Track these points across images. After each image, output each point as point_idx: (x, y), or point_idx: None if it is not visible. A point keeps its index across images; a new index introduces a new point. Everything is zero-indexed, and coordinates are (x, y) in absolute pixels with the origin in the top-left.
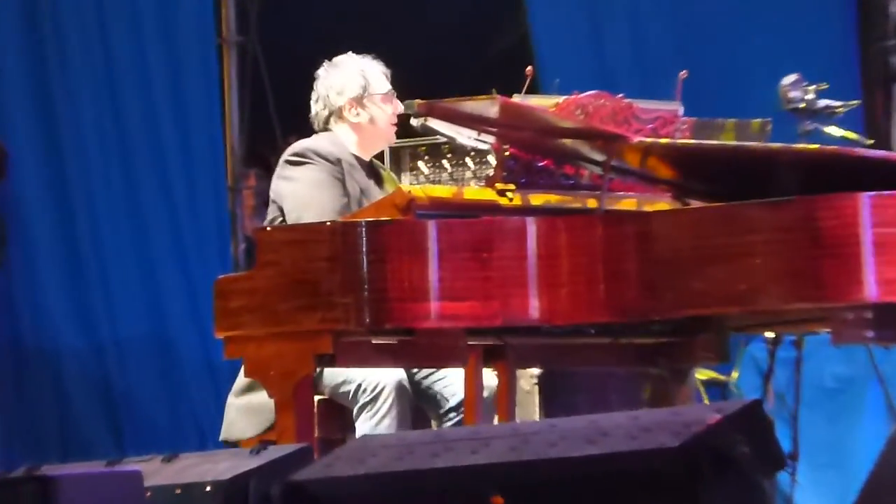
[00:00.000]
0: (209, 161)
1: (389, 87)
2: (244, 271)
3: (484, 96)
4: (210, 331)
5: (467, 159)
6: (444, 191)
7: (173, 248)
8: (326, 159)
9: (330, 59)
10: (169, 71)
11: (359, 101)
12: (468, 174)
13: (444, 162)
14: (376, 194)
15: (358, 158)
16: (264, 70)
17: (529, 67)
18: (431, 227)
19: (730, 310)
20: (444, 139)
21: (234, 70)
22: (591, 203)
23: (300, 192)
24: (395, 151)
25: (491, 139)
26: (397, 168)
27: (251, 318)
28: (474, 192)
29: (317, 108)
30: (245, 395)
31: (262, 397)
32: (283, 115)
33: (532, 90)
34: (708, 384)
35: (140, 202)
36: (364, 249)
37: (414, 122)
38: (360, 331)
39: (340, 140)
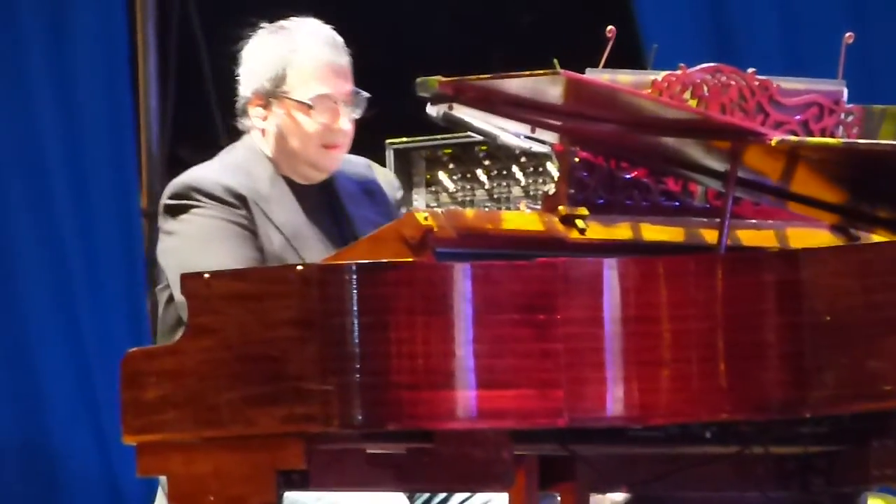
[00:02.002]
0: (112, 173)
1: (330, 89)
2: (166, 342)
3: (541, 71)
4: (113, 435)
5: (514, 168)
6: (478, 216)
7: (57, 307)
8: (219, 198)
9: (271, 21)
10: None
11: (265, 97)
12: (516, 190)
13: (479, 172)
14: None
15: (290, 181)
16: (197, 25)
17: (611, 27)
18: (460, 273)
19: None
20: (480, 137)
21: (151, 25)
22: (708, 236)
23: (184, 253)
24: (402, 155)
25: (552, 137)
26: (406, 181)
27: (177, 414)
28: (525, 218)
29: (237, 97)
30: None
31: None
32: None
33: (616, 61)
34: None
35: (0, 232)
36: (354, 308)
37: (432, 110)
38: (347, 434)
39: (254, 156)
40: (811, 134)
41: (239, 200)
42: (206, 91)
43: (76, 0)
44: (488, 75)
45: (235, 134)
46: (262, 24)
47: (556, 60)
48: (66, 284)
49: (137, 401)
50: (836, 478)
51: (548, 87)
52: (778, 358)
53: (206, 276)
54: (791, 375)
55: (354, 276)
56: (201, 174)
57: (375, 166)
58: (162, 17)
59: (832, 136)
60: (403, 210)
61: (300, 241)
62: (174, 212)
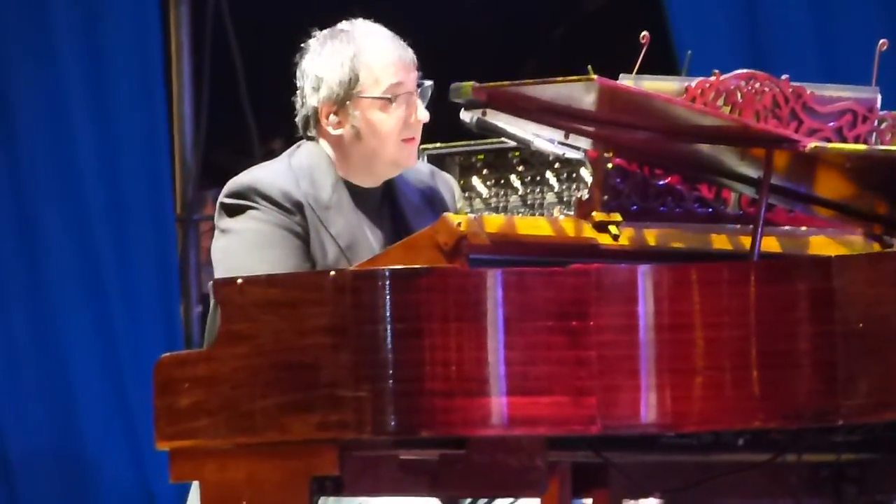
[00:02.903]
0: (145, 178)
1: (403, 80)
2: (200, 348)
3: (575, 77)
4: (147, 441)
5: (548, 174)
6: (512, 223)
7: (91, 313)
8: (276, 203)
9: (325, 26)
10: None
11: (338, 103)
12: (550, 197)
13: (513, 178)
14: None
15: (354, 188)
16: (231, 32)
17: (645, 33)
18: (494, 280)
19: None
20: (513, 143)
21: (185, 31)
22: (741, 244)
23: (235, 255)
24: (436, 161)
25: (585, 143)
26: None
27: (211, 421)
28: (559, 225)
29: (298, 108)
30: None
31: None
32: (260, 105)
33: (650, 66)
34: None
35: (35, 240)
36: (388, 315)
37: (466, 116)
38: (380, 441)
39: (318, 162)
40: (845, 141)
41: (296, 207)
42: (240, 97)
43: (110, 6)
44: (522, 81)
45: (269, 140)
46: (314, 33)
47: (590, 67)
48: (100, 291)
49: (171, 407)
50: (869, 486)
51: (581, 93)
52: (811, 366)
53: (240, 282)
54: (824, 384)
55: (388, 283)
56: (262, 175)
57: (438, 173)
58: (196, 23)
59: (866, 143)
60: None
61: (355, 252)
62: (231, 211)
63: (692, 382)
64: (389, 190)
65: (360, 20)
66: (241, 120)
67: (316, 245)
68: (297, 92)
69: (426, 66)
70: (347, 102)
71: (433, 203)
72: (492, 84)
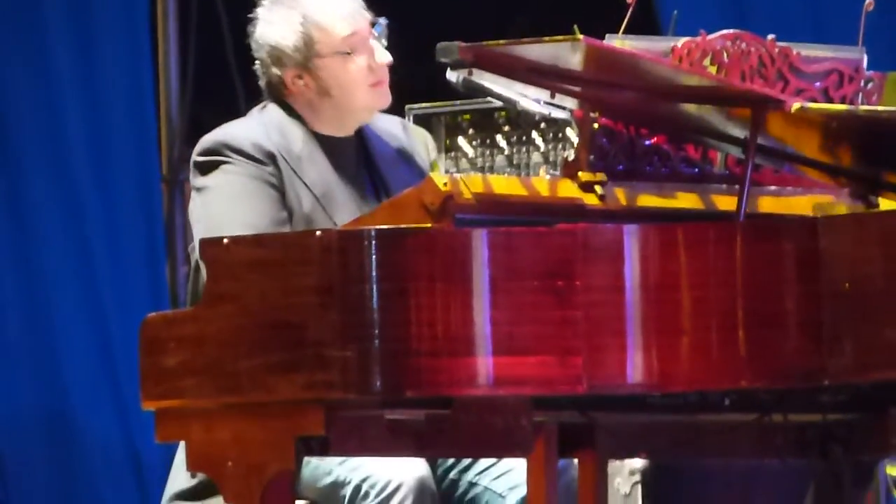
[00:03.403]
0: (131, 137)
1: (356, 29)
2: (186, 308)
3: (562, 37)
4: (133, 401)
5: (534, 134)
6: (498, 183)
7: (75, 273)
8: (249, 155)
9: None
10: None
11: (300, 67)
12: (536, 157)
13: (499, 138)
14: (377, 198)
15: (326, 139)
16: None
17: None
18: (480, 240)
19: None
20: (499, 103)
21: None
22: (727, 204)
23: (211, 210)
24: (422, 121)
25: (572, 103)
26: None
27: (197, 381)
28: (545, 185)
29: (260, 76)
30: (191, 501)
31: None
32: (247, 64)
33: (637, 27)
34: None
35: (20, 200)
36: (374, 275)
37: (452, 76)
38: (366, 401)
39: (288, 115)
40: (831, 101)
41: (269, 158)
42: (226, 57)
43: None
44: (508, 41)
45: (256, 99)
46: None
47: (576, 26)
48: (86, 251)
49: (157, 367)
50: (856, 446)
51: (568, 53)
52: (797, 326)
53: (226, 241)
54: (810, 344)
55: (374, 243)
56: (232, 130)
57: (410, 125)
58: None
59: (852, 103)
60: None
61: (330, 201)
62: (204, 169)
63: (678, 342)
64: (361, 141)
65: None
66: (228, 80)
67: (291, 195)
68: (257, 62)
69: (410, 26)
70: (309, 64)
71: (405, 154)
72: (478, 44)
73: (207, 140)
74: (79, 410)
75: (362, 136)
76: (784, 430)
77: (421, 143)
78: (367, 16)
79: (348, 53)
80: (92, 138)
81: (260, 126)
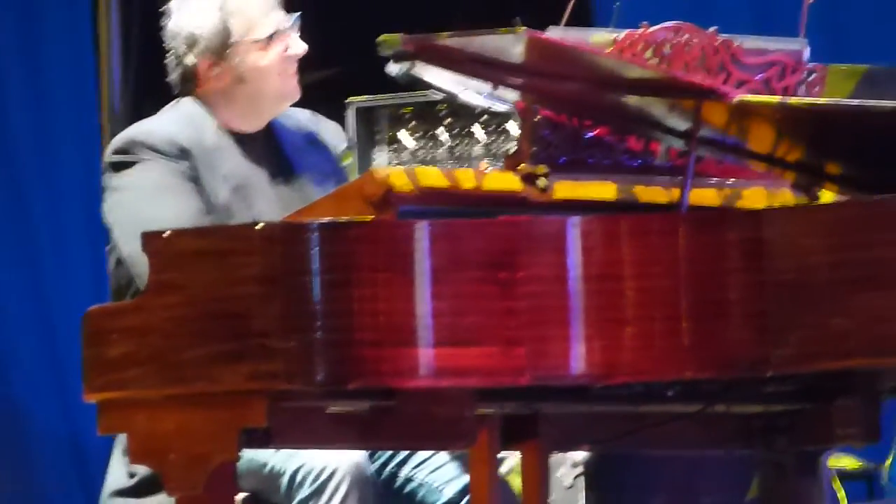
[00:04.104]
0: (74, 128)
1: (273, 18)
2: (129, 299)
3: (504, 29)
4: (76, 393)
5: (476, 126)
6: (440, 176)
7: (20, 264)
8: (162, 151)
9: None
10: None
11: (217, 55)
12: (477, 149)
13: (441, 130)
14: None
15: (236, 134)
16: None
17: None
18: (422, 231)
19: (886, 361)
20: (441, 95)
21: None
22: (670, 195)
23: (131, 208)
24: (364, 113)
25: (514, 95)
26: (367, 139)
27: (140, 372)
28: (487, 177)
29: (171, 68)
30: (130, 498)
31: (159, 501)
32: None
33: (578, 19)
34: (849, 476)
35: None
36: (317, 266)
37: (393, 68)
38: (309, 392)
39: (199, 110)
40: (773, 93)
41: (182, 153)
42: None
43: None
44: (450, 33)
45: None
46: None
47: (517, 18)
48: (29, 242)
49: (99, 358)
50: (800, 436)
51: (510, 45)
52: (741, 317)
53: (169, 233)
54: (754, 334)
55: (316, 234)
56: (144, 128)
57: (319, 116)
58: None
59: (795, 94)
60: (348, 161)
61: (246, 192)
62: (117, 168)
63: (622, 333)
64: (270, 133)
65: None
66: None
67: (208, 188)
68: (169, 53)
69: (352, 18)
70: (226, 52)
71: (314, 142)
72: (420, 36)
73: (119, 139)
74: (22, 402)
75: (271, 127)
76: (728, 420)
77: (328, 132)
78: (281, 7)
79: (265, 42)
80: (34, 129)
81: (172, 121)
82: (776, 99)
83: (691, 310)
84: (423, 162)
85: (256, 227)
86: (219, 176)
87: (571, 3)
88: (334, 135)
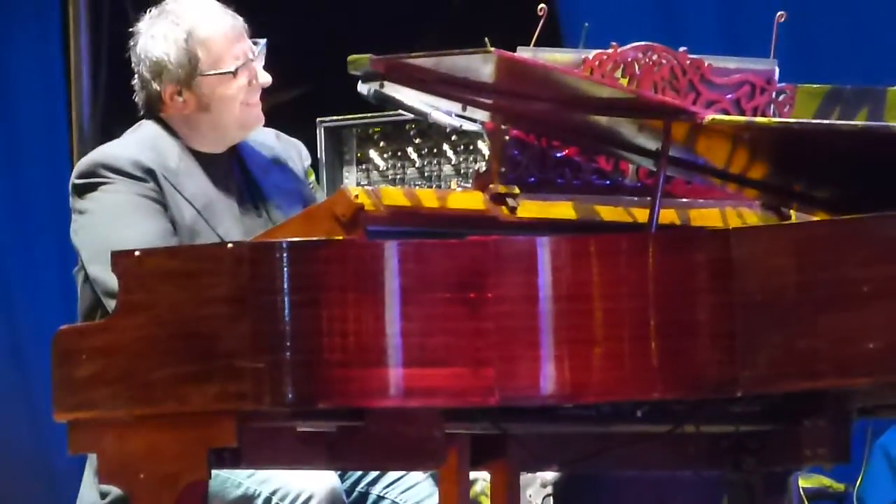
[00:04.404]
0: (43, 146)
1: (240, 49)
2: (98, 319)
3: (473, 49)
4: (45, 412)
5: (445, 146)
6: (409, 195)
7: None
8: (127, 174)
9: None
10: None
11: (182, 83)
12: (447, 169)
13: (410, 150)
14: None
15: (200, 155)
16: (130, 6)
17: (542, 4)
18: (391, 251)
19: (855, 381)
20: (410, 115)
21: (83, 6)
22: (640, 215)
23: (98, 231)
24: (333, 133)
25: (483, 115)
26: (337, 158)
27: (109, 392)
28: (457, 197)
29: (138, 90)
30: None
31: None
32: None
33: (547, 39)
34: (818, 495)
35: None
36: (286, 286)
37: (363, 88)
38: (278, 412)
39: (161, 132)
40: (743, 113)
41: (147, 174)
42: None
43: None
44: (420, 53)
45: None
46: (140, 14)
47: (487, 39)
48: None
49: (69, 378)
50: (768, 457)
51: (479, 65)
52: (710, 337)
53: (138, 253)
54: (723, 354)
55: (285, 254)
56: (108, 151)
57: (283, 136)
58: (93, 5)
59: (764, 114)
60: (313, 178)
61: (211, 213)
62: (83, 191)
63: (591, 353)
64: (235, 153)
65: None
66: None
67: (173, 209)
68: (136, 76)
69: (322, 38)
70: (192, 81)
71: (278, 161)
72: (389, 56)
73: (84, 162)
74: None
75: (236, 148)
76: (697, 440)
77: (294, 150)
78: (247, 37)
79: (232, 73)
80: (3, 150)
81: (135, 144)
82: (746, 119)
83: (660, 330)
84: (393, 182)
85: (226, 247)
86: (183, 197)
87: (541, 23)
88: (298, 152)
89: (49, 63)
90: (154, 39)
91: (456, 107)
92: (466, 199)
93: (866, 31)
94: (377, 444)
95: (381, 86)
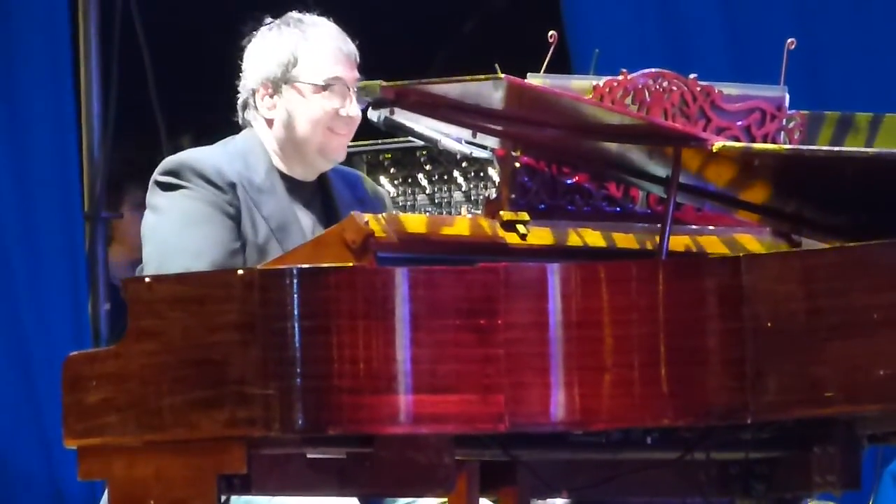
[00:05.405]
0: (53, 174)
1: (341, 74)
2: (109, 346)
3: (483, 75)
4: (56, 438)
5: (456, 172)
6: (420, 221)
7: None
8: (209, 181)
9: (233, 26)
10: None
11: (275, 84)
12: (458, 195)
13: (421, 177)
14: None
15: (288, 177)
16: (140, 28)
17: (553, 32)
18: (401, 278)
19: (864, 408)
20: (421, 142)
21: (93, 28)
22: (650, 242)
23: (164, 232)
24: (344, 160)
25: (494, 142)
26: None
27: (119, 418)
28: (467, 223)
29: (240, 90)
30: None
31: None
32: (168, 101)
33: (558, 66)
34: None
35: None
36: (296, 313)
37: (374, 115)
38: (288, 439)
39: (253, 147)
40: (753, 139)
41: (229, 186)
42: (148, 93)
43: (19, 4)
44: (430, 80)
45: (177, 137)
46: (266, 21)
47: (497, 65)
48: (8, 287)
49: (79, 404)
50: (778, 484)
51: (490, 91)
52: (720, 364)
53: (148, 279)
54: (733, 381)
55: (296, 281)
56: (196, 154)
57: (367, 179)
58: (104, 19)
59: (774, 141)
60: None
61: (284, 234)
62: (163, 188)
63: (601, 380)
64: (322, 183)
65: (311, 14)
66: (150, 117)
67: (247, 224)
68: (241, 74)
69: None
70: (284, 85)
71: (363, 203)
72: (399, 83)
73: (171, 160)
74: (1, 447)
75: (324, 178)
76: (707, 467)
77: (377, 195)
78: (356, 71)
79: (323, 89)
80: (15, 176)
81: (226, 154)
82: (755, 146)
83: (670, 357)
84: (403, 208)
85: (236, 273)
86: (260, 214)
87: (551, 50)
88: (381, 199)
89: (59, 90)
90: (265, 39)
91: (466, 133)
92: (477, 225)
93: (877, 58)
94: (387, 470)
95: (392, 112)
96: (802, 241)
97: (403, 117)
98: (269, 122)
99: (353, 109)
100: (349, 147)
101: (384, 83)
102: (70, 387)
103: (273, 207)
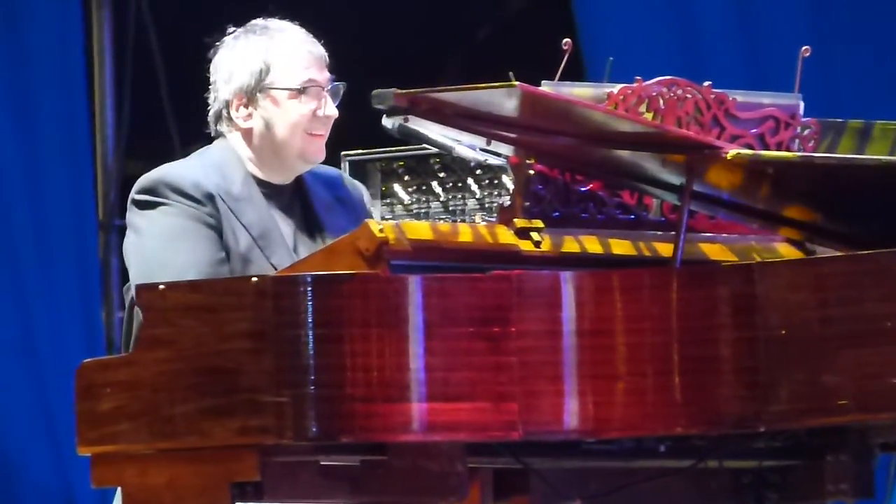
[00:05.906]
0: (67, 183)
1: (314, 75)
2: (122, 354)
3: (497, 83)
4: (69, 446)
5: (470, 180)
6: (433, 229)
7: (12, 319)
8: (187, 195)
9: (240, 24)
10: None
11: (249, 94)
12: (471, 203)
13: (435, 184)
14: (315, 241)
15: (265, 184)
16: (153, 37)
17: (567, 40)
18: (414, 286)
19: (877, 416)
20: (434, 149)
21: (107, 37)
22: (663, 250)
23: (147, 250)
24: (357, 167)
25: (507, 149)
26: None
27: (132, 426)
28: (480, 231)
29: (211, 102)
30: None
31: None
32: (181, 109)
33: (572, 73)
34: None
35: None
36: (309, 321)
37: (387, 122)
38: (301, 447)
39: (229, 157)
40: (767, 147)
41: (208, 198)
42: (161, 102)
43: (31, 11)
44: (444, 88)
45: (189, 145)
46: (230, 29)
47: (511, 73)
48: (22, 296)
49: (92, 412)
50: (791, 492)
51: (503, 99)
52: (733, 372)
53: (162, 287)
54: (746, 390)
55: (309, 288)
56: (173, 170)
57: (347, 177)
58: (117, 30)
59: (788, 149)
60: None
61: (267, 242)
62: (142, 206)
63: (614, 388)
64: (299, 186)
65: (274, 19)
66: (163, 125)
67: (229, 235)
68: (210, 86)
69: (347, 71)
70: (258, 94)
71: (344, 202)
72: (413, 90)
73: (147, 178)
74: (15, 455)
75: (300, 181)
76: (719, 476)
77: (357, 192)
78: (327, 71)
79: (299, 92)
80: (29, 184)
81: (200, 166)
82: (769, 154)
83: (683, 365)
84: (417, 216)
85: (250, 281)
86: (241, 223)
87: (566, 58)
88: (360, 194)
89: (73, 101)
90: (233, 49)
91: (480, 141)
92: (490, 233)
93: (891, 66)
94: (399, 478)
95: (406, 120)
96: (815, 250)
97: (417, 125)
98: (246, 132)
99: (329, 109)
100: (363, 155)
101: (398, 91)
102: (83, 394)
103: (253, 216)
